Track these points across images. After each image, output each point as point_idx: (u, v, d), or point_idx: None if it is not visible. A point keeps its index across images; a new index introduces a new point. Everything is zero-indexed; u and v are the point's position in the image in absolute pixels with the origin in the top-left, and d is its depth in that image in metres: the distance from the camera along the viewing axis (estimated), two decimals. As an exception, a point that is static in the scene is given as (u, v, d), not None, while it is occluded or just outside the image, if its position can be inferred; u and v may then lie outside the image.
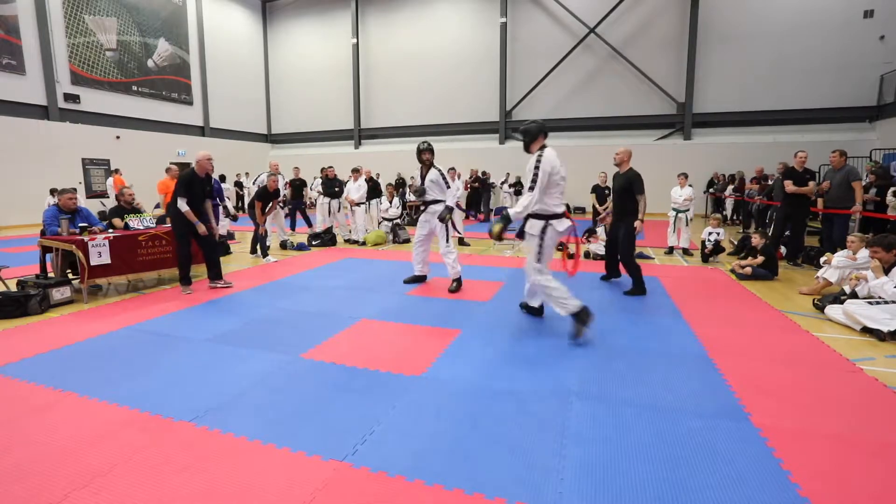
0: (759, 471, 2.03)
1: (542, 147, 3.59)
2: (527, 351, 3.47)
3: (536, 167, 3.45)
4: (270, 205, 7.57)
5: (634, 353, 3.42)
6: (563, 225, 3.59)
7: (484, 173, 15.64)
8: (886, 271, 4.02)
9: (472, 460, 2.12)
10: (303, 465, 2.08)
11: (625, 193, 5.12)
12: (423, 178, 5.30)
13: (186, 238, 5.22)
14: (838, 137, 14.08)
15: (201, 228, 5.13)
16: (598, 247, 7.27)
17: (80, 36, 14.52)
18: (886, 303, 3.85)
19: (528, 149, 3.70)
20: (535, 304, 4.22)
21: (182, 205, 5.03)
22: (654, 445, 2.23)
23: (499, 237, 3.48)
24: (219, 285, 5.47)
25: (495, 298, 4.98)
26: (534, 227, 3.59)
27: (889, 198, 7.18)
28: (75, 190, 5.68)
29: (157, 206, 11.81)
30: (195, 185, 5.12)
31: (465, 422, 2.46)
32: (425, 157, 5.30)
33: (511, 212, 3.49)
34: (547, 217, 3.57)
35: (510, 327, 4.02)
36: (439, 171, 5.29)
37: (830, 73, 14.69)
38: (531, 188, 3.44)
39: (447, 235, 5.27)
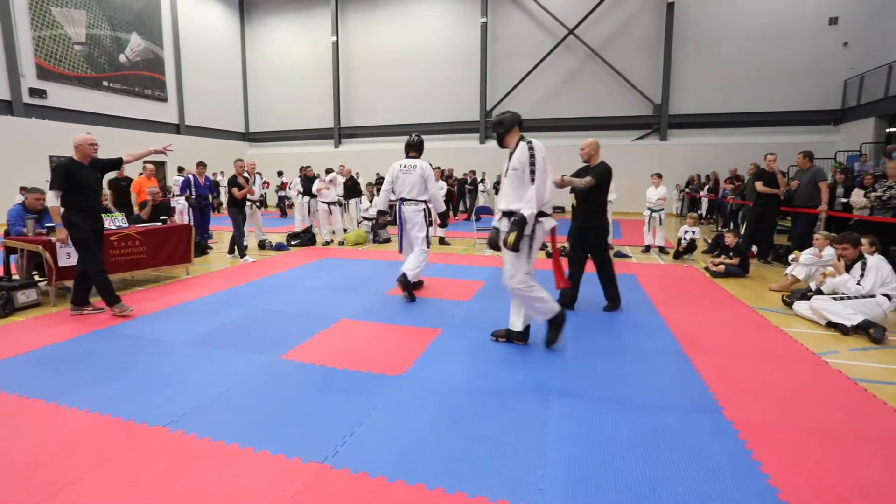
0: (732, 463, 2.10)
1: (521, 139, 3.28)
2: (507, 350, 3.50)
3: (532, 158, 3.10)
4: (246, 189, 7.38)
5: (613, 351, 3.49)
6: (550, 223, 3.29)
7: (472, 173, 15.69)
8: (848, 268, 4.18)
9: (454, 459, 2.12)
10: (282, 468, 2.06)
11: (597, 190, 4.38)
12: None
13: (91, 240, 4.20)
14: (806, 139, 14.60)
15: (61, 234, 4.13)
16: None
17: (47, 29, 13.98)
18: (850, 298, 4.01)
19: (502, 141, 3.38)
20: (519, 327, 3.58)
21: (52, 199, 4.03)
22: (631, 441, 2.27)
23: (515, 246, 3.12)
24: (84, 312, 4.38)
25: (475, 298, 5.00)
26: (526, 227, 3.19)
27: (854, 198, 7.48)
28: (43, 191, 5.44)
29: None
30: (81, 174, 4.09)
31: (446, 421, 2.46)
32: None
33: (525, 213, 3.08)
34: (541, 214, 3.22)
35: (491, 326, 4.03)
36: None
37: (798, 77, 15.23)
38: (532, 181, 3.10)
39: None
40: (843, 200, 8.00)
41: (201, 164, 8.42)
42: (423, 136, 5.44)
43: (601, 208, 4.47)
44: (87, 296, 4.42)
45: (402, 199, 4.99)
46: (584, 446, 2.23)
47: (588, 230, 4.44)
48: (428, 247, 5.09)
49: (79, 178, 4.09)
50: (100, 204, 4.35)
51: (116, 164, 4.48)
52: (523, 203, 3.12)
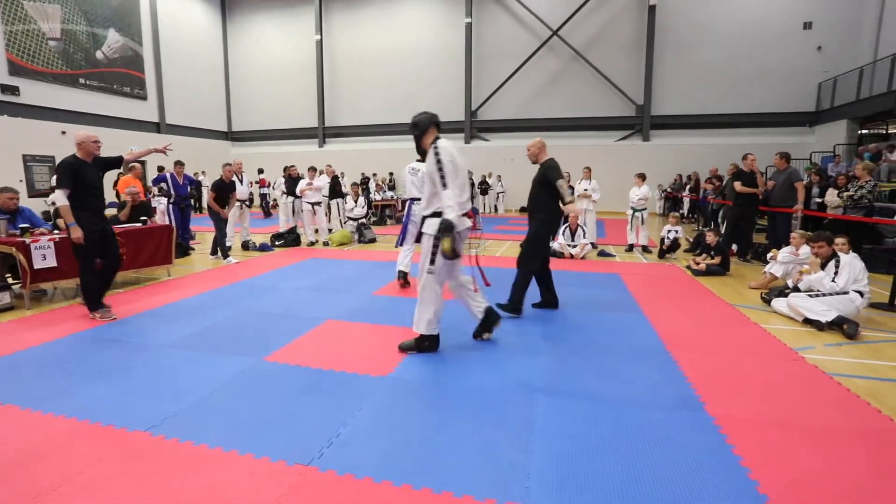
0: (714, 458, 2.14)
1: (436, 139, 3.27)
2: (492, 349, 3.51)
3: (439, 162, 3.09)
4: (231, 199, 7.30)
5: (597, 349, 3.53)
6: (462, 224, 3.19)
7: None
8: (823, 266, 4.30)
9: (440, 459, 2.13)
10: (267, 471, 2.03)
11: (540, 186, 4.26)
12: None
13: (92, 244, 4.11)
14: (783, 140, 14.97)
15: (76, 233, 3.98)
16: (557, 246, 7.43)
17: (19, 23, 13.55)
18: (824, 295, 4.13)
19: (419, 143, 3.36)
20: (479, 316, 3.61)
21: (61, 198, 3.93)
22: (616, 438, 2.31)
23: (453, 252, 3.07)
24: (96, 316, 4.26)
25: (463, 297, 5.01)
26: (431, 226, 3.21)
27: (828, 197, 7.70)
28: (15, 190, 5.27)
29: (109, 205, 11.21)
30: (86, 173, 4.03)
31: (432, 421, 2.47)
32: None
33: (450, 217, 3.03)
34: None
35: (476, 326, 4.04)
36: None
37: (775, 80, 15.63)
38: (444, 185, 3.08)
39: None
40: (819, 200, 8.23)
41: (179, 164, 8.21)
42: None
43: (545, 202, 4.24)
44: (106, 290, 4.43)
45: (412, 199, 5.33)
46: (569, 444, 2.25)
47: (530, 223, 4.36)
48: None
49: (83, 177, 4.03)
50: (103, 203, 4.31)
51: (117, 162, 4.42)
52: (444, 207, 3.08)
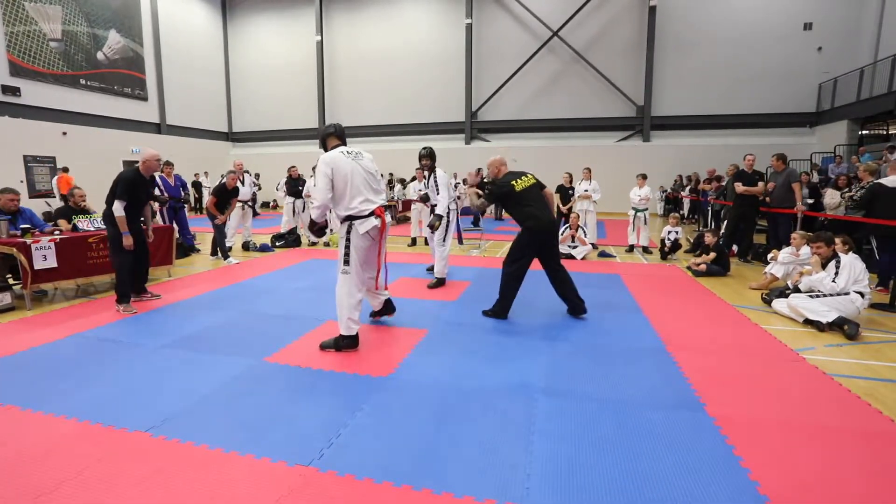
0: (714, 458, 2.14)
1: (335, 147, 3.47)
2: (493, 349, 3.51)
3: (313, 170, 3.38)
4: (231, 204, 7.31)
5: (598, 349, 3.53)
6: (365, 226, 3.35)
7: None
8: (824, 266, 4.30)
9: (441, 460, 2.12)
10: (267, 472, 2.03)
11: (502, 201, 4.45)
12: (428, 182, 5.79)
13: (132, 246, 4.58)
14: (783, 141, 14.96)
15: (127, 241, 4.42)
16: (564, 248, 7.41)
17: (20, 24, 13.58)
18: (825, 296, 4.12)
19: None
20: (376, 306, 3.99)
21: (119, 209, 4.36)
22: (616, 438, 2.30)
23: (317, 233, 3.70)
24: (144, 298, 4.90)
25: (462, 298, 5.02)
26: (342, 229, 3.44)
27: (827, 199, 7.69)
28: (16, 191, 5.27)
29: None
30: (139, 187, 4.50)
31: (432, 421, 2.47)
32: (424, 163, 5.64)
33: (314, 214, 3.45)
34: (352, 218, 3.36)
35: (476, 326, 4.05)
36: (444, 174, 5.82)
37: (775, 80, 15.62)
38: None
39: (445, 234, 5.56)
40: (810, 201, 8.20)
41: (168, 164, 8.05)
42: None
43: (514, 213, 4.30)
44: (142, 285, 4.93)
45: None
46: (569, 444, 2.25)
47: None
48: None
49: (138, 192, 4.50)
50: (142, 212, 4.77)
51: (153, 196, 5.16)
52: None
